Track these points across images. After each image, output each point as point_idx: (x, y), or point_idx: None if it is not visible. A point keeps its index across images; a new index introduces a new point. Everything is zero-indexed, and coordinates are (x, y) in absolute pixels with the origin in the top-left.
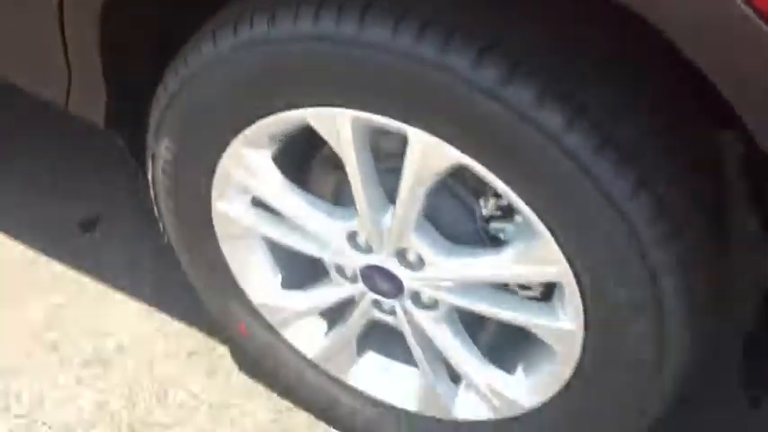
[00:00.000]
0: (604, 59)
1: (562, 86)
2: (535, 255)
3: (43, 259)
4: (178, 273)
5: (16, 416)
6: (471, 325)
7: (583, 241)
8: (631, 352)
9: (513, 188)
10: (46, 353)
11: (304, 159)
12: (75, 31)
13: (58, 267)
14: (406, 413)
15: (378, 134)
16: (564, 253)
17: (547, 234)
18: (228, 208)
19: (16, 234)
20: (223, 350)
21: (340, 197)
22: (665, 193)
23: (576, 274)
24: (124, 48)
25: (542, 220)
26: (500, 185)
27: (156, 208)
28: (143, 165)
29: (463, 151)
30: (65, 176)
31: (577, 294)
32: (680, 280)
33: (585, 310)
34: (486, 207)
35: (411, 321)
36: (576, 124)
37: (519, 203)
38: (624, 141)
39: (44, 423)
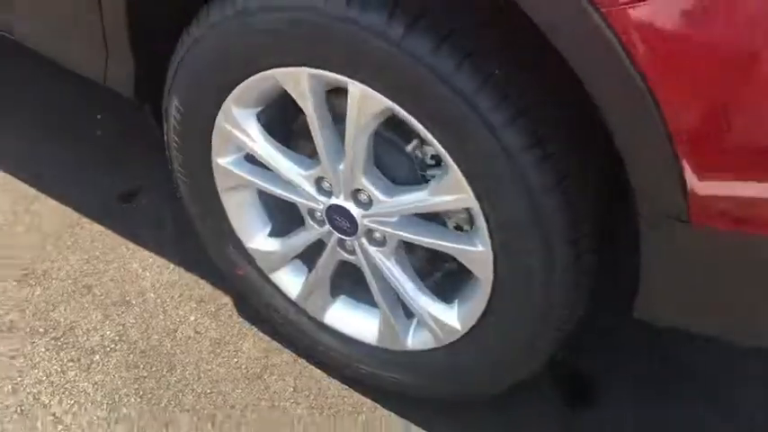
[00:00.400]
0: (489, 21)
1: (455, 39)
2: (449, 186)
3: (85, 221)
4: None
5: (53, 338)
6: (420, 270)
7: (478, 170)
8: (526, 272)
9: (426, 128)
10: (82, 294)
11: (288, 126)
12: (111, 15)
13: (97, 228)
14: (371, 347)
15: (334, 97)
16: (468, 181)
17: (454, 166)
18: (225, 162)
19: (64, 200)
20: (227, 299)
21: (312, 153)
22: (539, 124)
23: (478, 200)
24: (150, 29)
25: (449, 154)
26: (418, 127)
27: (170, 164)
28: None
29: (388, 98)
30: (110, 148)
31: (483, 219)
32: (557, 199)
33: (491, 234)
34: (420, 152)
35: (367, 258)
36: (464, 67)
37: (432, 140)
38: (501, 83)
39: (73, 346)
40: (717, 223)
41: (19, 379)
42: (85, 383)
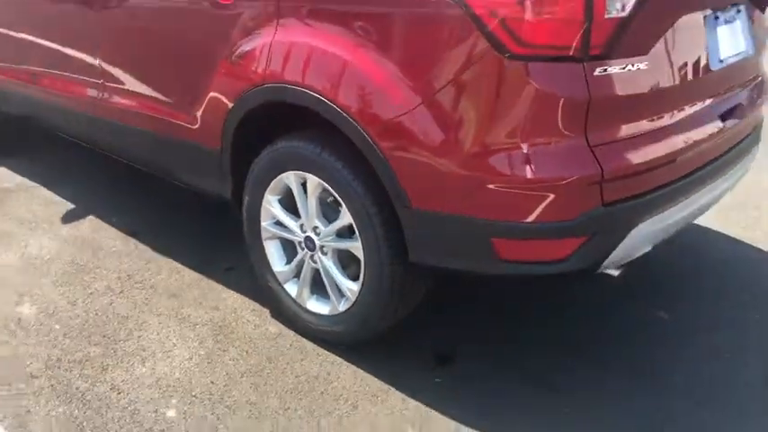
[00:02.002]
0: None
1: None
2: (345, 216)
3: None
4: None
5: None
6: (344, 268)
7: (353, 207)
8: (374, 259)
9: (334, 191)
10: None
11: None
12: (226, 166)
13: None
14: (325, 316)
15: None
16: (351, 214)
17: (345, 208)
18: (265, 224)
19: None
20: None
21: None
22: (370, 185)
23: (354, 220)
24: (239, 167)
25: (342, 200)
26: (332, 191)
27: (244, 231)
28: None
29: (321, 179)
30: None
31: (358, 233)
32: (383, 225)
33: (361, 236)
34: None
35: (320, 262)
36: (340, 162)
37: (338, 197)
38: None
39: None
40: (421, 207)
41: None
42: None
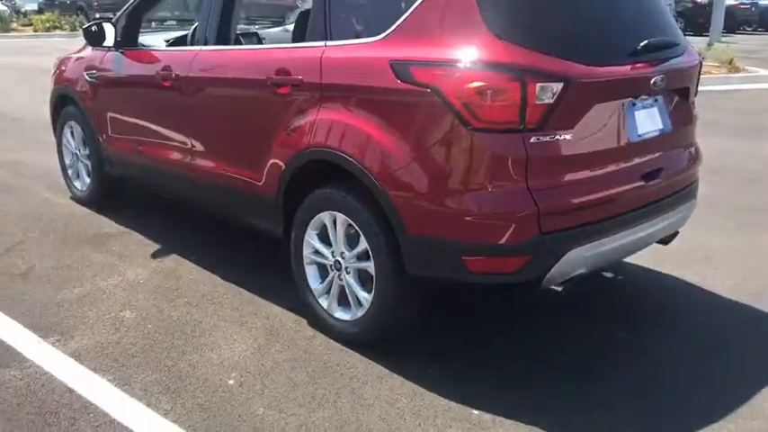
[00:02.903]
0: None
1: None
2: (363, 245)
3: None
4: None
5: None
6: (361, 281)
7: (370, 236)
8: (382, 275)
9: (356, 224)
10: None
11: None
12: (282, 214)
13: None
14: (347, 321)
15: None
16: (367, 242)
17: (363, 238)
18: (307, 253)
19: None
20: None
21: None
22: (377, 216)
23: (371, 251)
24: (291, 199)
25: (362, 231)
26: (355, 225)
27: (292, 260)
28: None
29: (347, 216)
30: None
31: (372, 258)
32: (390, 249)
33: (373, 256)
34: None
35: (345, 280)
36: (359, 203)
37: (358, 229)
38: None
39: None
40: (414, 233)
41: None
42: None
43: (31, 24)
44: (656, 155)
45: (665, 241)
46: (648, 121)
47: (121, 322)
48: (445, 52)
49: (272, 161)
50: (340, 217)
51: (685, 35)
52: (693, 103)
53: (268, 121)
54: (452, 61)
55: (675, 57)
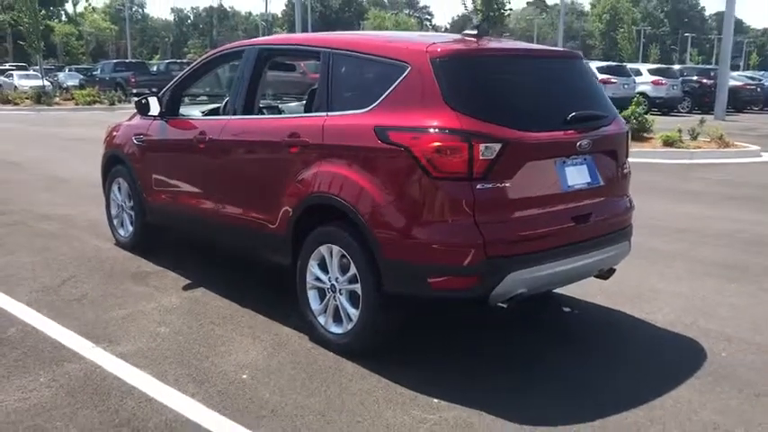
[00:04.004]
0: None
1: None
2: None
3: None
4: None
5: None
6: (352, 302)
7: (359, 264)
8: (366, 294)
9: (348, 254)
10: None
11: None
12: (291, 255)
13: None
14: (340, 333)
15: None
16: (356, 268)
17: (353, 264)
18: (309, 279)
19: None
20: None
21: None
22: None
23: (359, 273)
24: (298, 236)
25: (352, 260)
26: (348, 255)
27: (297, 283)
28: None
29: (340, 247)
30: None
31: (359, 281)
32: (373, 274)
33: (360, 279)
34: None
35: (338, 300)
36: (350, 238)
37: (349, 258)
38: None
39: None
40: (390, 257)
41: None
42: None
43: (73, 98)
44: (585, 202)
45: (604, 277)
46: (578, 175)
47: (158, 335)
48: (414, 121)
49: (283, 206)
50: (335, 249)
51: (691, 113)
52: (625, 163)
53: (281, 175)
54: (419, 127)
55: (603, 126)
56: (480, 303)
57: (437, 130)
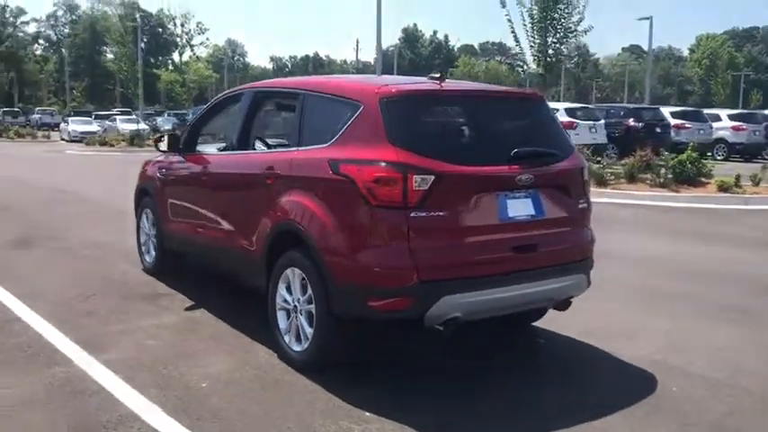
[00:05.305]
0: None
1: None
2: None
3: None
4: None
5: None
6: (309, 322)
7: (313, 281)
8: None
9: (306, 276)
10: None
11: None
12: (268, 277)
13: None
14: (299, 351)
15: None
16: (310, 286)
17: (309, 285)
18: (278, 299)
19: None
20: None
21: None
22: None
23: (314, 293)
24: (271, 261)
25: (308, 280)
26: (306, 277)
27: (269, 305)
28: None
29: (300, 269)
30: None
31: (314, 299)
32: (322, 293)
33: (315, 300)
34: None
35: (299, 318)
36: (306, 261)
37: (307, 279)
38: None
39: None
40: (337, 280)
41: None
42: None
43: None
44: (529, 233)
45: (560, 308)
46: (521, 207)
47: (144, 347)
48: (359, 154)
49: (260, 231)
50: (297, 272)
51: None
52: (581, 198)
53: (260, 203)
54: (362, 160)
55: (552, 162)
56: (417, 326)
57: (377, 162)
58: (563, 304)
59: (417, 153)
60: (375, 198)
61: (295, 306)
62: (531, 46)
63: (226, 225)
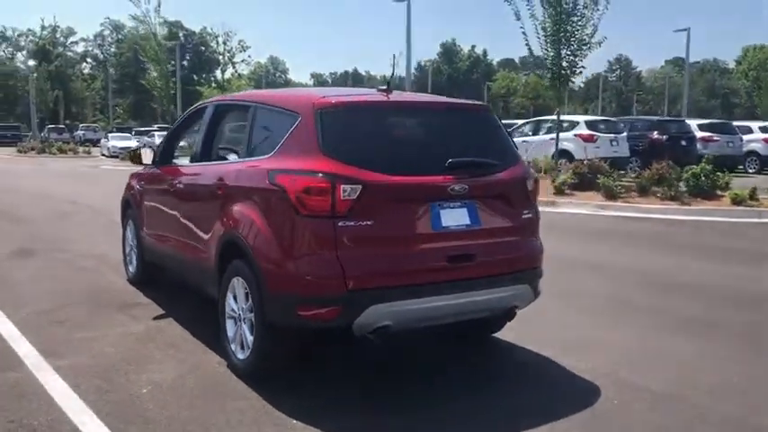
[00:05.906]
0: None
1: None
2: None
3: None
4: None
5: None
6: (251, 330)
7: (252, 292)
8: (257, 317)
9: (248, 286)
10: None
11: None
12: (219, 284)
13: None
14: (243, 359)
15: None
16: (251, 293)
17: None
18: (228, 307)
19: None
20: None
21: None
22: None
23: (253, 302)
24: (221, 270)
25: (248, 287)
26: (247, 285)
27: (219, 314)
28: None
29: (242, 279)
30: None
31: (253, 305)
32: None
33: (254, 309)
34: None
35: (242, 327)
36: (247, 269)
37: (247, 287)
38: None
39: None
40: (271, 290)
41: None
42: None
43: None
44: (464, 243)
45: (506, 317)
46: (456, 217)
47: (101, 353)
48: (292, 164)
49: (213, 241)
50: (240, 281)
51: None
52: (526, 208)
53: (213, 213)
54: (293, 170)
55: (491, 173)
56: (346, 335)
57: (307, 172)
58: (507, 314)
59: (348, 163)
60: (305, 207)
61: (239, 315)
62: (545, 58)
63: (187, 235)
